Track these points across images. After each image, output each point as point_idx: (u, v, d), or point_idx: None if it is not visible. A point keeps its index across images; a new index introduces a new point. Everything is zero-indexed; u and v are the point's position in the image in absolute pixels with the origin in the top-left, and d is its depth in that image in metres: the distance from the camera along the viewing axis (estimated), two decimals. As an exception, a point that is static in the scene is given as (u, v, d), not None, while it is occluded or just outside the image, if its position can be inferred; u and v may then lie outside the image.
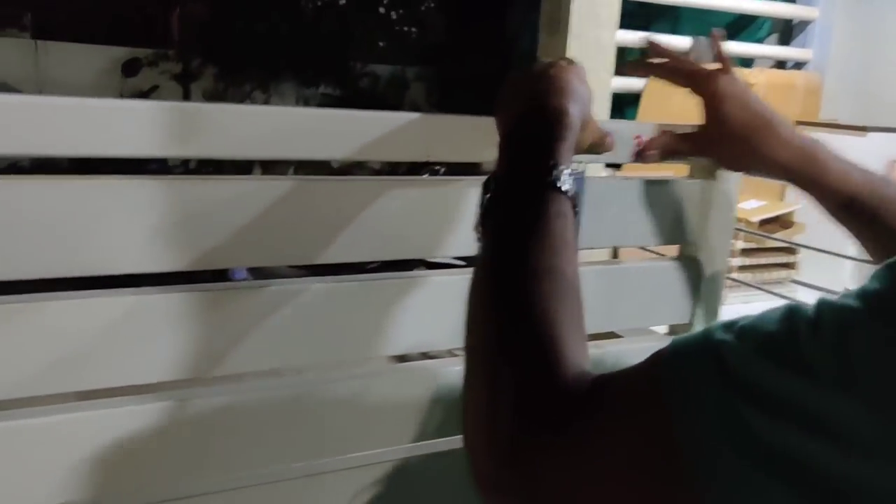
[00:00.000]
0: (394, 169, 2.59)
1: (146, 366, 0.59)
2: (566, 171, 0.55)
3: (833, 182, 0.71)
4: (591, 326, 0.73)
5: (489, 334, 0.50)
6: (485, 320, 0.51)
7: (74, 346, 0.57)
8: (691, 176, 0.77)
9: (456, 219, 0.66)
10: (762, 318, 0.43)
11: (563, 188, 0.54)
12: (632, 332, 0.77)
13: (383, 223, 0.63)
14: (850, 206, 0.71)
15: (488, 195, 0.56)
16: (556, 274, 0.50)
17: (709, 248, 0.73)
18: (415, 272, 0.68)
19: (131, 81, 3.55)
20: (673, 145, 0.77)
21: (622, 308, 0.74)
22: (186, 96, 4.30)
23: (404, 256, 0.66)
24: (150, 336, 0.59)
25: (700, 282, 0.77)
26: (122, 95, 3.43)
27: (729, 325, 0.44)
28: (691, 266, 0.77)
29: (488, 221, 0.56)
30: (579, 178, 0.55)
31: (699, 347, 0.44)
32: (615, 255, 1.91)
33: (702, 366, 0.43)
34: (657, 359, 0.46)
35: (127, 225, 0.55)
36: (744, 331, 0.43)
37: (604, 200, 0.70)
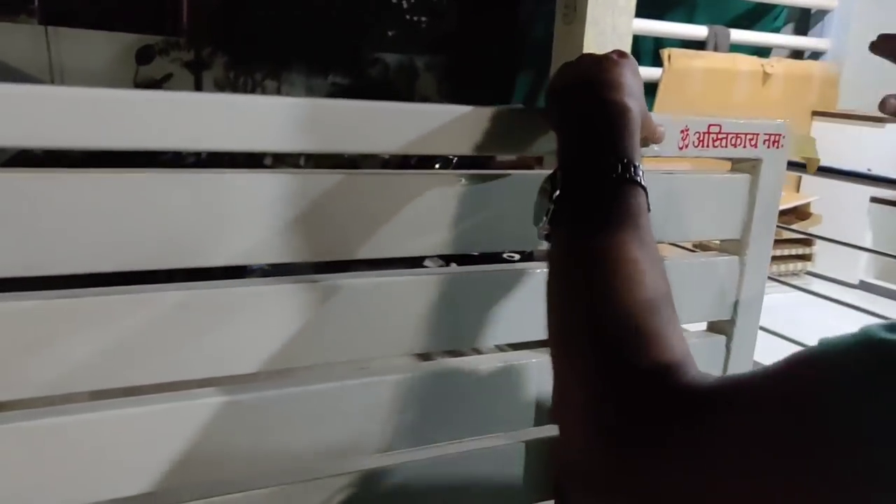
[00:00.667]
0: (404, 161, 2.58)
1: (192, 363, 0.59)
2: (637, 164, 0.55)
3: None
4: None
5: (590, 329, 0.48)
6: (584, 316, 0.50)
7: (117, 341, 0.57)
8: (735, 170, 0.76)
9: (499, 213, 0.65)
10: None
11: (642, 183, 0.54)
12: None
13: (428, 217, 0.63)
14: None
15: (557, 192, 0.55)
16: (652, 266, 0.50)
17: (752, 244, 0.73)
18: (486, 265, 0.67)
19: (144, 69, 3.55)
20: None
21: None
22: (198, 85, 4.30)
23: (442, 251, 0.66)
24: (196, 332, 0.59)
25: (742, 278, 0.77)
26: (135, 83, 3.43)
27: (892, 327, 0.42)
28: (734, 261, 0.76)
29: (562, 217, 0.55)
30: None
31: (863, 348, 0.42)
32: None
33: (870, 366, 0.41)
34: (802, 361, 0.45)
35: (173, 219, 0.55)
36: None
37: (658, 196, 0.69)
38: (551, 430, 0.72)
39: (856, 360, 0.42)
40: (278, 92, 4.49)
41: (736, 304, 0.77)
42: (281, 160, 2.67)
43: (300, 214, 0.58)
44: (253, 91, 4.43)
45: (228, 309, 0.58)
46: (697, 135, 0.68)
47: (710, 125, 0.69)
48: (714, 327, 0.80)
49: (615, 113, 0.57)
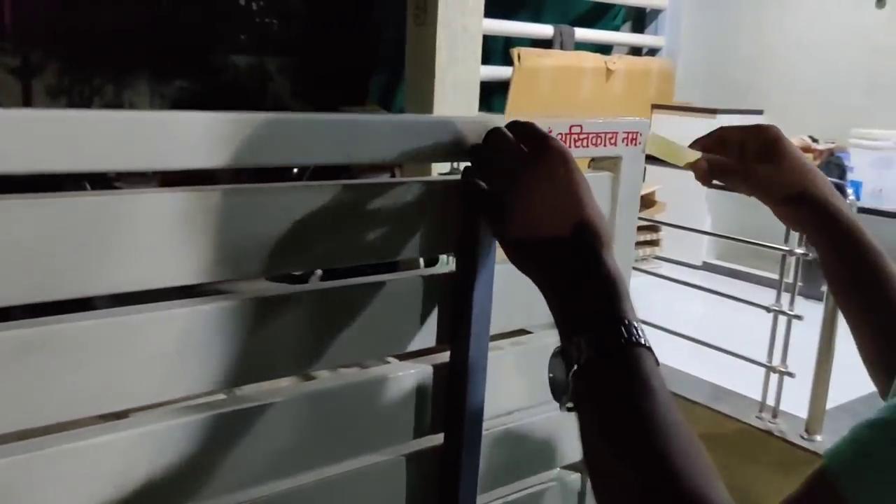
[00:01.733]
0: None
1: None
2: (637, 325, 0.55)
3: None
4: (507, 325, 0.75)
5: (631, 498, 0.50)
6: (622, 485, 0.51)
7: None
8: (596, 168, 0.79)
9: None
10: None
11: (647, 344, 0.55)
12: (542, 328, 0.78)
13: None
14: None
15: (574, 367, 0.54)
16: (677, 426, 0.51)
17: (616, 239, 0.76)
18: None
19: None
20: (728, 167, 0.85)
21: (532, 303, 0.75)
22: (27, 93, 3.99)
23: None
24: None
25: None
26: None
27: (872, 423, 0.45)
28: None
29: (582, 389, 0.55)
30: None
31: (879, 445, 0.45)
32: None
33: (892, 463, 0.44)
34: (823, 478, 0.47)
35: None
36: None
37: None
38: (431, 441, 0.72)
39: (881, 463, 0.44)
40: (119, 97, 4.25)
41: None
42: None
43: (185, 235, 0.55)
44: (91, 98, 4.18)
45: (85, 345, 0.54)
46: (560, 136, 0.71)
47: (571, 126, 0.71)
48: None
49: (607, 274, 0.56)
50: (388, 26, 3.12)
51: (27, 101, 4.02)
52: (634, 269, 2.21)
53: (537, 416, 0.80)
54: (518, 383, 0.77)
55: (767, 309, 1.57)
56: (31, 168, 0.48)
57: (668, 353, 1.75)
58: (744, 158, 0.83)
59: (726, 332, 1.77)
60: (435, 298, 0.69)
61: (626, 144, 0.78)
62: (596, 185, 0.76)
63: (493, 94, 2.74)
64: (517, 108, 2.57)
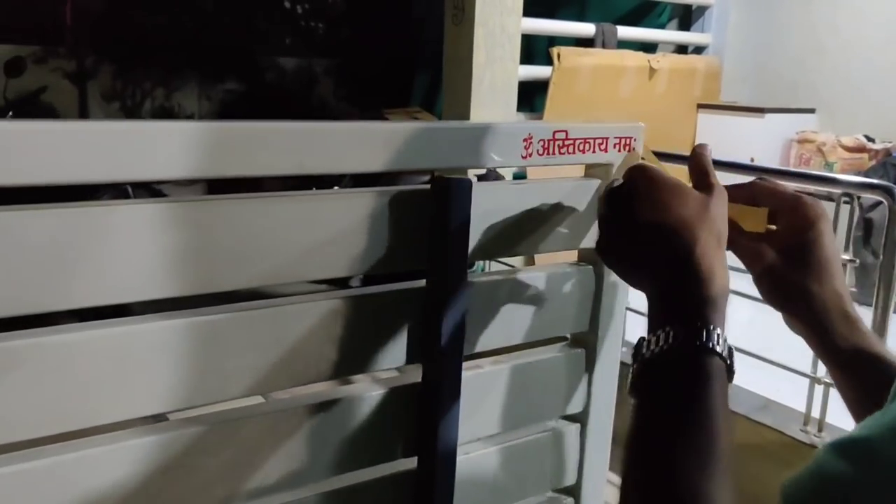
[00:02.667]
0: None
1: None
2: (718, 332, 0.54)
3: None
4: (494, 342, 0.72)
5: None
6: (647, 488, 0.51)
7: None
8: (589, 175, 0.75)
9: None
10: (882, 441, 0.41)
11: (718, 349, 0.53)
12: (531, 345, 0.74)
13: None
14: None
15: (640, 359, 0.55)
16: (709, 439, 0.50)
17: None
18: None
19: (15, 82, 3.35)
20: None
21: (521, 319, 0.71)
22: (82, 96, 4.11)
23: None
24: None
25: (602, 287, 0.75)
26: (5, 96, 3.24)
27: (844, 449, 0.42)
28: (589, 272, 0.75)
29: (642, 384, 0.55)
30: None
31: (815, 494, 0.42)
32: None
33: None
34: None
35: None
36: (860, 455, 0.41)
37: (506, 208, 0.67)
38: (404, 465, 0.68)
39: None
40: (169, 100, 4.34)
41: (596, 314, 0.75)
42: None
43: (176, 246, 0.53)
44: (142, 102, 4.27)
45: (102, 354, 0.53)
46: (542, 142, 0.66)
47: (554, 131, 0.67)
48: (575, 340, 0.78)
49: (699, 276, 0.56)
50: (429, 27, 3.10)
51: (83, 105, 4.14)
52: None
53: (522, 439, 0.75)
54: (500, 404, 0.73)
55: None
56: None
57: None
58: (766, 233, 0.67)
59: (771, 340, 1.71)
60: (406, 314, 0.65)
61: (618, 150, 0.73)
62: (584, 193, 0.71)
63: (535, 94, 2.69)
64: (556, 109, 2.52)
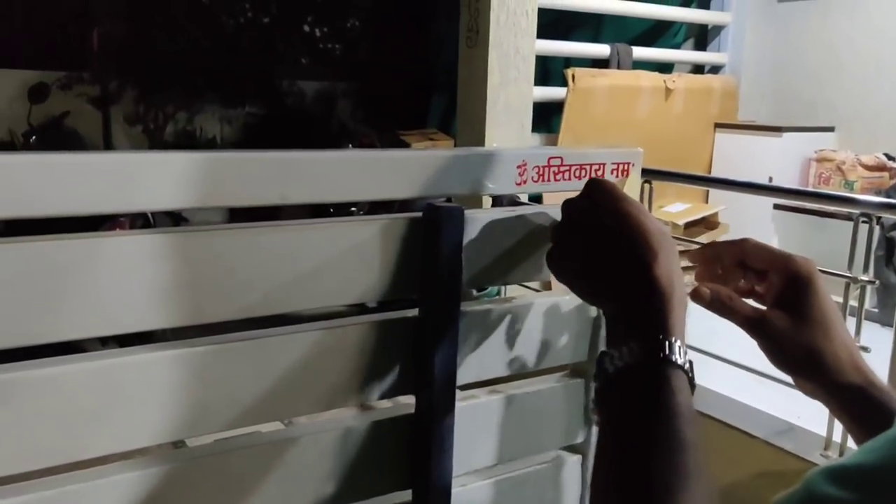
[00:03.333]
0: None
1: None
2: (679, 344, 0.54)
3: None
4: (490, 372, 0.71)
5: None
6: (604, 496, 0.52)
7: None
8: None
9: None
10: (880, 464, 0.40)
11: (679, 362, 0.53)
12: (530, 374, 0.73)
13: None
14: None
15: (604, 374, 0.55)
16: (679, 452, 0.50)
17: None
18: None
19: (38, 108, 3.41)
20: (727, 303, 0.66)
21: (518, 349, 0.70)
22: (106, 121, 4.17)
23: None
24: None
25: (600, 317, 0.74)
26: (29, 122, 3.30)
27: (835, 474, 0.41)
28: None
29: (607, 400, 0.55)
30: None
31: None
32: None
33: None
34: None
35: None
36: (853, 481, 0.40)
37: (500, 234, 0.66)
38: (400, 497, 0.67)
39: None
40: (191, 123, 4.39)
41: (595, 344, 0.74)
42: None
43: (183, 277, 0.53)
44: (164, 125, 4.33)
45: (113, 383, 0.53)
46: (536, 168, 0.66)
47: (549, 157, 0.66)
48: (574, 370, 0.77)
49: (659, 289, 0.55)
50: (447, 50, 3.12)
51: (106, 129, 4.21)
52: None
53: (522, 470, 0.74)
54: (496, 435, 0.71)
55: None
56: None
57: (728, 383, 1.66)
58: (760, 295, 0.67)
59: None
60: (398, 344, 0.64)
61: (616, 176, 0.72)
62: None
63: (552, 115, 2.68)
64: (571, 130, 2.52)
